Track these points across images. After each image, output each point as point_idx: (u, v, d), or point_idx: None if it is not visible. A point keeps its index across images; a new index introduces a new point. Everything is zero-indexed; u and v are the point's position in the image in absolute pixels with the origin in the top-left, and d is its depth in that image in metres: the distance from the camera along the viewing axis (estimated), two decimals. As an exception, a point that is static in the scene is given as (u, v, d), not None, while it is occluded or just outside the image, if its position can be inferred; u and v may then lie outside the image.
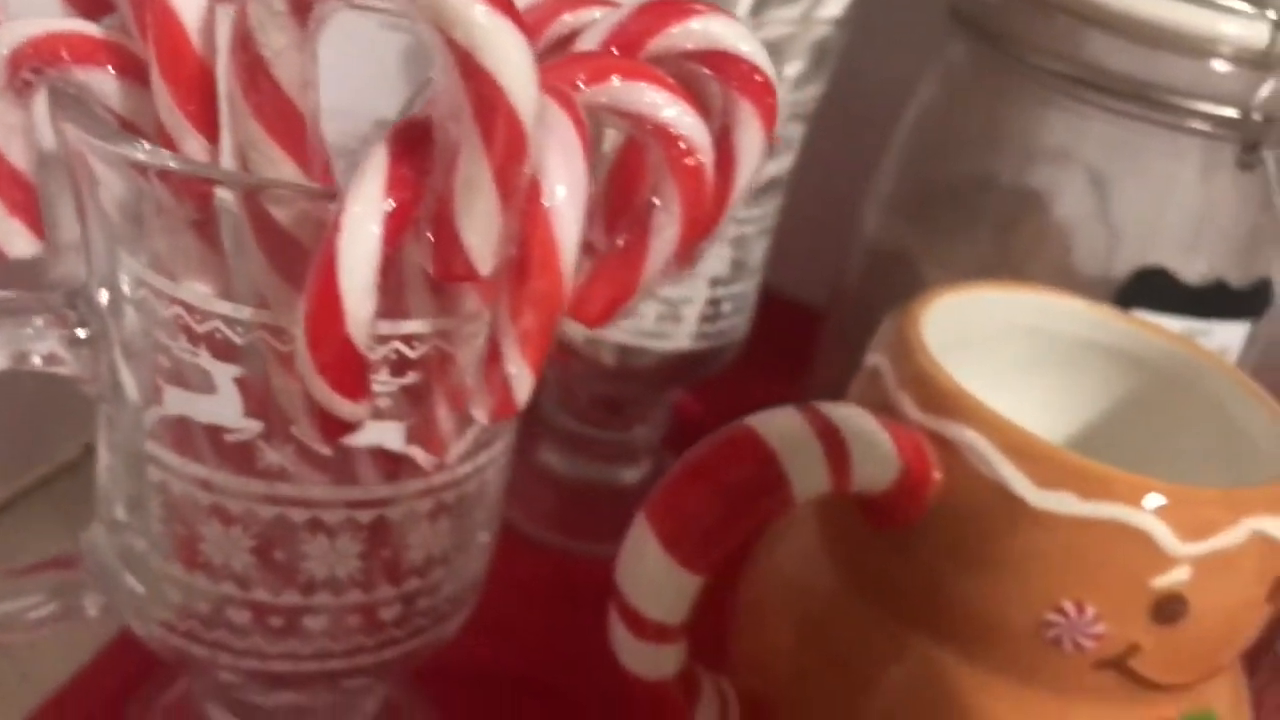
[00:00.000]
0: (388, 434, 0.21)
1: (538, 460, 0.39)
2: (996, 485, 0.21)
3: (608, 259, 0.20)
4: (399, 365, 0.20)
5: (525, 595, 0.33)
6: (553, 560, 0.36)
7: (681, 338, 0.34)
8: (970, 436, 0.21)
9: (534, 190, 0.16)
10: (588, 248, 0.19)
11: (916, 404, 0.22)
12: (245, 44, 0.17)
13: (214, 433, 0.20)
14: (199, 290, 0.19)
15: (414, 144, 0.16)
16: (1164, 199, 0.33)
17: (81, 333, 0.21)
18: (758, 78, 0.19)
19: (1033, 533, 0.21)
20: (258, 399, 0.20)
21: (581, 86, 0.17)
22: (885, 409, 0.22)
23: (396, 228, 0.16)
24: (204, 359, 0.20)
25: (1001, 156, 0.34)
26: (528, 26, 0.15)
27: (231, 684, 0.24)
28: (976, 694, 0.22)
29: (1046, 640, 0.21)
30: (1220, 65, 0.31)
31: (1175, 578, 0.20)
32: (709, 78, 0.19)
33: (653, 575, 0.22)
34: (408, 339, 0.20)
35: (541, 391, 0.29)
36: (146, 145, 0.18)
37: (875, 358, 0.24)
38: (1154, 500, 0.20)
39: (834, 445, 0.21)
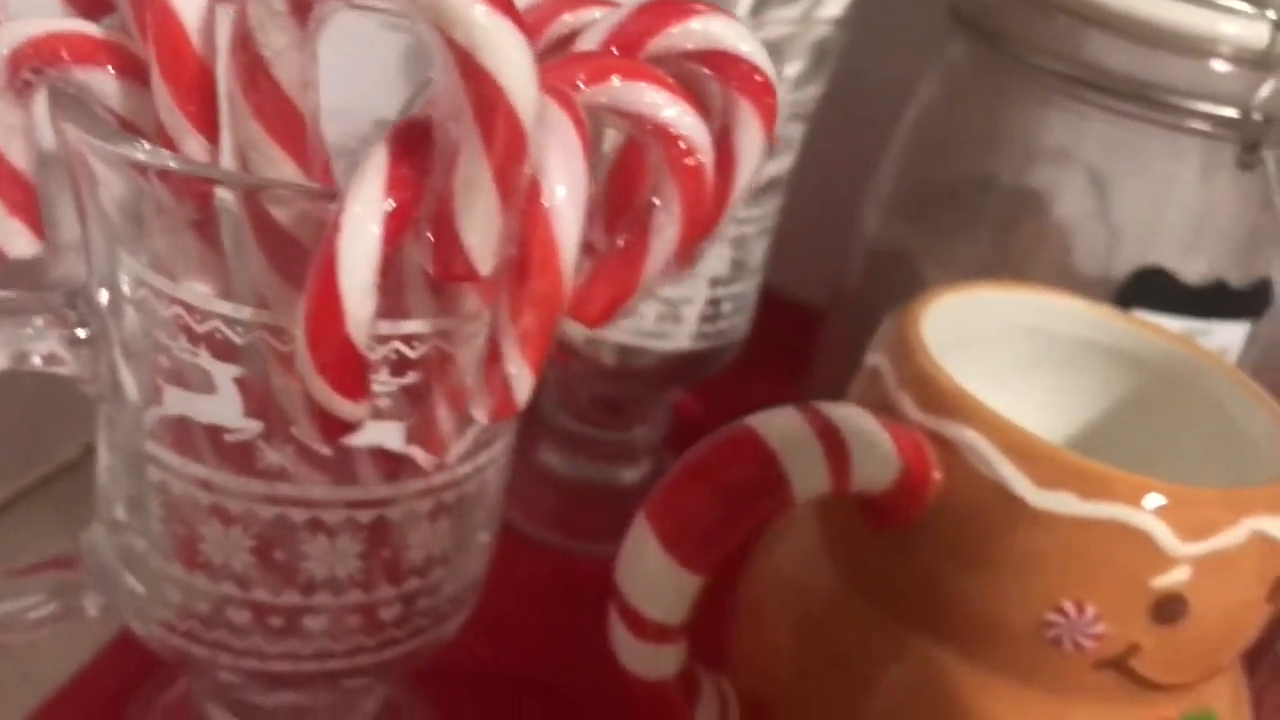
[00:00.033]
0: (388, 434, 0.21)
1: (538, 460, 0.39)
2: (996, 485, 0.21)
3: (608, 259, 0.20)
4: (399, 365, 0.20)
5: (525, 595, 0.33)
6: (553, 560, 0.36)
7: (681, 338, 0.34)
8: (970, 436, 0.21)
9: (534, 190, 0.16)
10: (588, 248, 0.19)
11: (916, 404, 0.22)
12: (245, 44, 0.17)
13: (214, 433, 0.20)
14: (199, 290, 0.19)
15: (414, 144, 0.16)
16: (1164, 199, 0.33)
17: (81, 333, 0.21)
18: (758, 78, 0.19)
19: (1033, 533, 0.21)
20: (258, 399, 0.20)
21: (581, 86, 0.17)
22: (885, 409, 0.22)
23: (396, 228, 0.16)
24: (204, 359, 0.20)
25: (1001, 156, 0.34)
26: (528, 26, 0.15)
27: (231, 684, 0.24)
28: (976, 694, 0.22)
29: (1046, 640, 0.21)
30: (1220, 65, 0.31)
31: (1175, 578, 0.20)
32: (709, 78, 0.19)
33: (653, 575, 0.22)
34: (408, 339, 0.20)
35: (541, 391, 0.29)
36: (146, 145, 0.18)
37: (875, 358, 0.24)
38: (1154, 500, 0.20)
39: (834, 445, 0.21)
